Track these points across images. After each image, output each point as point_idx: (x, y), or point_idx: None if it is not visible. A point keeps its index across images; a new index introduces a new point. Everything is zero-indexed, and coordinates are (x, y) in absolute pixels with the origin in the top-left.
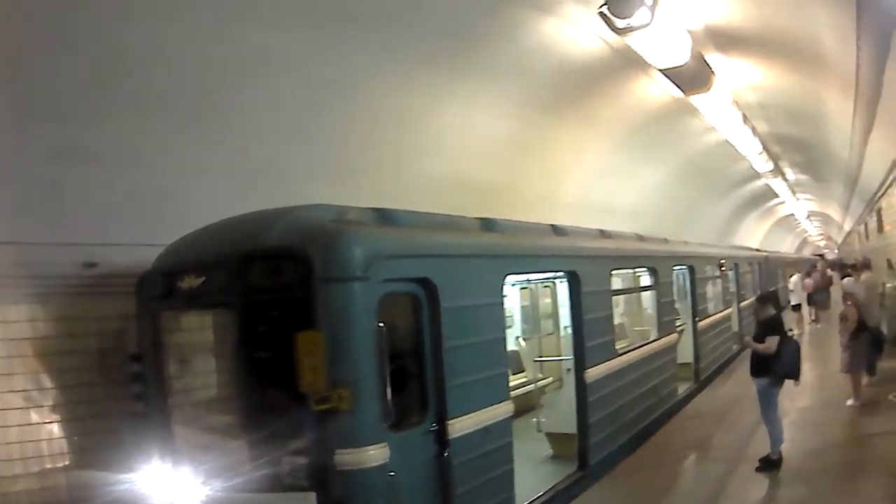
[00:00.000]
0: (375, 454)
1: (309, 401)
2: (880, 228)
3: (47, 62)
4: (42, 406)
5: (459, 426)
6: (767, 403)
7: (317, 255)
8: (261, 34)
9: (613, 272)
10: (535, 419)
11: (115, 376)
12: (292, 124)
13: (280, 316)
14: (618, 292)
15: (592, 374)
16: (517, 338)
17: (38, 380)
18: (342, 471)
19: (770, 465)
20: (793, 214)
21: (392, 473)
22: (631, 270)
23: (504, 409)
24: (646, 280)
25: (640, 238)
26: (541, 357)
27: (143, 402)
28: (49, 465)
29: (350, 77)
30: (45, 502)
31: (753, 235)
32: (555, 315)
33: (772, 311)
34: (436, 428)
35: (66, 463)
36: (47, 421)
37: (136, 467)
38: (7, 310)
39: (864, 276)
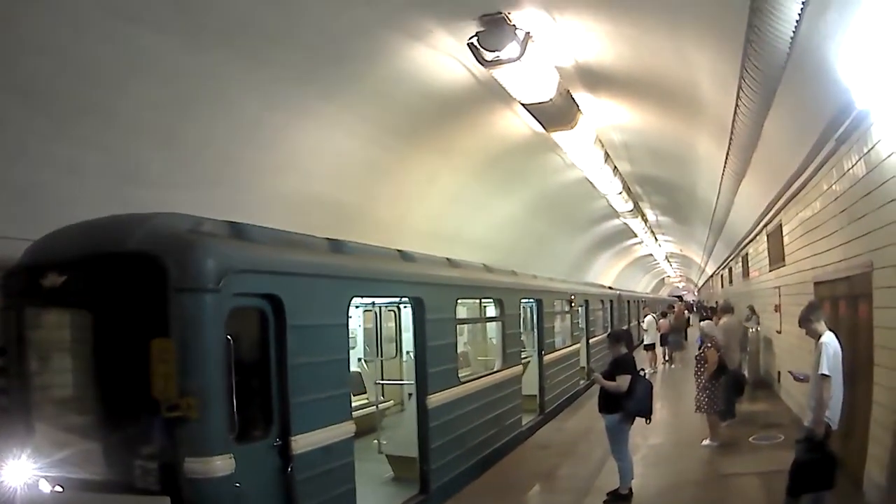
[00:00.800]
0: (222, 464)
1: (160, 407)
2: (746, 274)
3: None
4: None
5: (303, 442)
6: (617, 440)
7: (172, 264)
8: (145, 36)
9: (459, 301)
10: (375, 440)
11: None
12: (162, 130)
13: (134, 321)
14: (463, 321)
15: (434, 399)
16: (360, 359)
17: None
18: (191, 478)
19: (619, 499)
20: (651, 255)
21: (238, 485)
22: (477, 300)
23: (346, 429)
24: (492, 311)
25: (488, 269)
26: (383, 380)
27: (5, 395)
28: None
29: (221, 89)
30: None
31: (608, 273)
32: (398, 339)
33: (624, 349)
34: (280, 443)
35: None
36: None
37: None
38: None
39: (725, 319)
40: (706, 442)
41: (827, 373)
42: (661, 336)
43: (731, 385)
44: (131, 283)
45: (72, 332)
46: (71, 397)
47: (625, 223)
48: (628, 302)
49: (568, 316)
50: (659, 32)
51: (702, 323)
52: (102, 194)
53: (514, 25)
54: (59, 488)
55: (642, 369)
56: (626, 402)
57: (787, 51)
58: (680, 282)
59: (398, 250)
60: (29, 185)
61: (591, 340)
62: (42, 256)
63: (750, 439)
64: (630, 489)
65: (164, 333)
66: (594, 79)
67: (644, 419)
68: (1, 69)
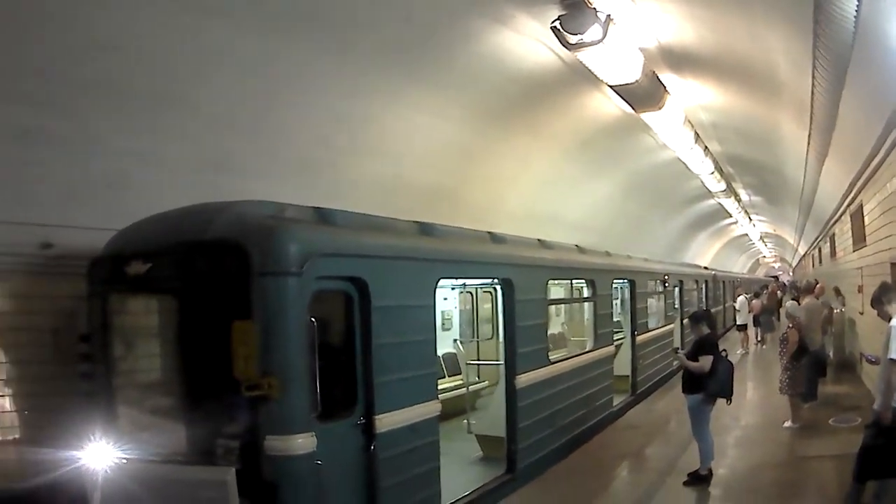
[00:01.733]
0: (303, 442)
1: (241, 387)
2: (833, 254)
3: (10, 43)
4: None
5: (387, 421)
6: (699, 420)
7: (254, 250)
8: (221, 30)
9: (550, 282)
10: (465, 421)
11: (66, 355)
12: (247, 119)
13: (217, 305)
14: (553, 302)
15: (523, 380)
16: (455, 340)
17: None
18: (271, 455)
19: (699, 479)
20: (747, 235)
21: (319, 462)
22: (569, 281)
23: (431, 408)
24: (584, 292)
25: (581, 250)
26: (478, 361)
27: (90, 381)
28: None
29: (306, 77)
30: None
31: (705, 254)
32: (494, 320)
33: (705, 329)
34: (363, 422)
35: (15, 437)
36: None
37: (81, 444)
38: None
39: (807, 300)
40: (787, 424)
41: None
42: (754, 317)
43: (812, 366)
44: (215, 269)
45: (156, 318)
46: (154, 380)
47: (719, 203)
48: (723, 282)
49: (662, 296)
50: (732, 13)
51: (788, 303)
52: (187, 184)
53: (594, 8)
54: (124, 460)
55: (724, 350)
56: (708, 383)
57: (853, 30)
58: (775, 262)
59: (488, 232)
60: (111, 177)
61: (684, 321)
62: (127, 245)
63: (829, 421)
64: (710, 470)
65: (246, 316)
66: (677, 59)
67: (725, 400)
68: (78, 65)
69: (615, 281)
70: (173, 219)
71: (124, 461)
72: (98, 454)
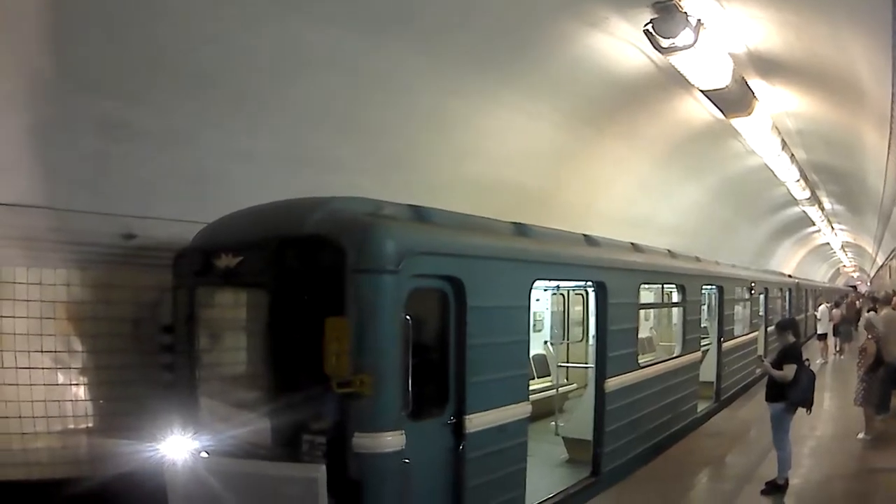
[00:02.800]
0: (392, 440)
1: (332, 384)
2: None
3: (99, 37)
4: (70, 368)
5: (477, 421)
6: (779, 429)
7: (350, 246)
8: (313, 27)
9: (642, 286)
10: (553, 422)
11: (146, 345)
12: (339, 118)
13: (311, 301)
14: (645, 306)
15: (612, 383)
16: (546, 342)
17: (68, 342)
18: (359, 453)
19: (775, 489)
20: (828, 244)
21: (407, 461)
22: (660, 286)
23: (522, 410)
24: (674, 297)
25: (672, 254)
26: (568, 363)
27: (172, 372)
28: (72, 426)
29: (399, 76)
30: (65, 461)
31: (789, 262)
32: (585, 323)
33: (791, 338)
34: (453, 421)
35: (89, 426)
36: (74, 383)
37: (159, 435)
38: (44, 273)
39: (884, 311)
40: (861, 435)
41: None
42: (833, 326)
43: (887, 379)
44: (309, 264)
45: (244, 311)
46: (239, 373)
47: (803, 211)
48: (805, 291)
49: (748, 303)
50: (818, 21)
51: (868, 313)
52: (278, 179)
53: (685, 13)
54: (204, 454)
55: (807, 359)
56: (791, 392)
57: None
58: (854, 271)
59: (583, 234)
60: (202, 171)
61: (769, 329)
62: (217, 238)
63: None
64: (786, 479)
65: (339, 313)
66: (765, 65)
67: (805, 409)
68: (166, 60)
69: (704, 287)
70: (266, 213)
71: (207, 456)
72: (178, 446)
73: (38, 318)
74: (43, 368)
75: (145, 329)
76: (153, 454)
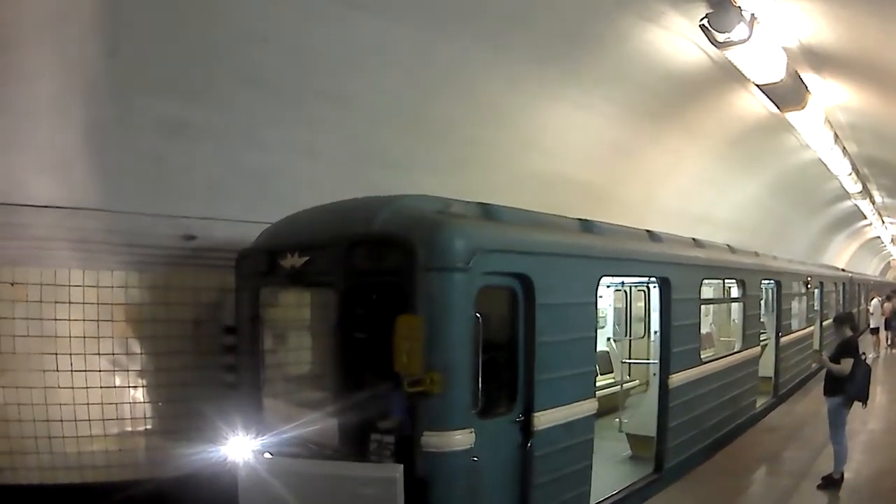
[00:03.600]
0: (462, 438)
1: (402, 382)
2: None
3: (156, 37)
4: (127, 370)
5: (545, 419)
6: (836, 423)
7: (421, 244)
8: (375, 23)
9: (704, 281)
10: (617, 419)
11: (206, 347)
12: (403, 114)
13: (380, 299)
14: (706, 301)
15: (676, 379)
16: (608, 339)
17: (126, 344)
18: (428, 452)
19: (832, 483)
20: (879, 237)
21: (475, 459)
22: (720, 281)
23: (588, 406)
24: (734, 292)
25: (732, 250)
26: (630, 359)
27: (235, 373)
28: (129, 429)
29: (462, 72)
30: (122, 464)
31: (841, 255)
32: (646, 319)
33: (848, 332)
34: (522, 419)
35: (148, 428)
36: (131, 385)
37: (220, 437)
38: (101, 275)
39: None
40: None
41: None
42: (885, 320)
43: None
44: (379, 263)
45: (311, 311)
46: (305, 373)
47: (855, 205)
48: (858, 285)
49: (804, 298)
50: (868, 14)
51: None
52: (343, 177)
53: (739, 7)
54: (268, 455)
55: (864, 353)
56: (847, 386)
57: None
58: None
59: (646, 230)
60: (262, 170)
61: (824, 323)
62: (282, 238)
63: None
64: (842, 474)
65: (409, 311)
66: (817, 59)
67: (861, 403)
68: (228, 58)
69: (763, 281)
70: (333, 212)
71: (279, 457)
72: (241, 447)
73: (95, 320)
74: (100, 371)
75: (206, 330)
76: (214, 456)
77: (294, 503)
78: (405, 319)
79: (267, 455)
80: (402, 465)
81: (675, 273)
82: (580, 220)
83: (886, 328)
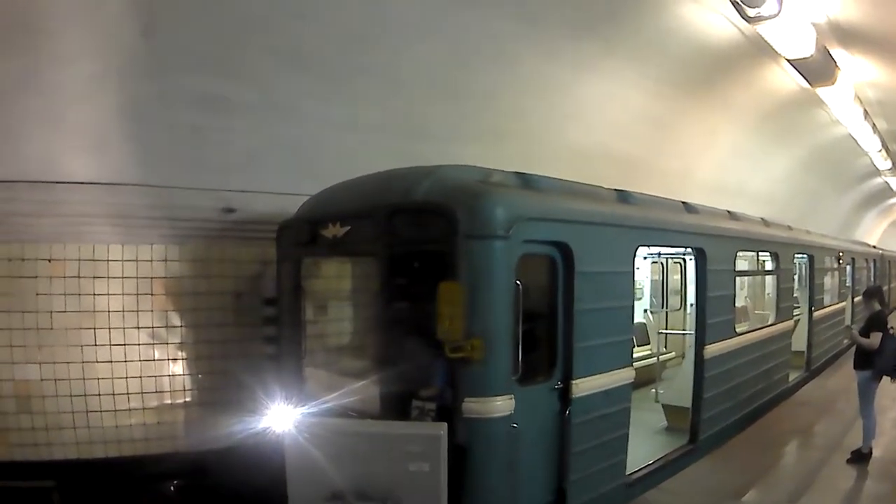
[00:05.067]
0: (502, 405)
1: (444, 348)
2: None
3: (194, 14)
4: (167, 343)
5: (583, 386)
6: (865, 397)
7: (462, 213)
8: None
9: (738, 253)
10: (653, 390)
11: (246, 318)
12: (441, 85)
13: (423, 268)
14: (741, 273)
15: (711, 350)
16: (645, 311)
17: (165, 318)
18: (468, 418)
19: (860, 458)
20: None
21: (515, 425)
22: (754, 253)
23: (626, 375)
24: (768, 265)
25: (766, 223)
26: (666, 331)
27: (276, 344)
28: (168, 402)
29: (500, 44)
30: (160, 437)
31: (873, 232)
32: (683, 292)
33: (877, 306)
34: (560, 386)
35: (187, 400)
36: (170, 358)
37: (261, 408)
38: (140, 249)
39: None
40: None
41: None
42: None
43: None
44: (421, 231)
45: (353, 280)
46: (348, 342)
47: (885, 182)
48: (889, 262)
49: (836, 273)
50: None
51: None
52: (383, 149)
53: None
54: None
55: (892, 327)
56: (877, 360)
57: None
58: None
59: (682, 202)
60: (301, 143)
61: (855, 299)
62: (323, 209)
63: None
64: (871, 449)
65: (451, 279)
66: (846, 35)
67: (890, 378)
68: (263, 33)
69: (796, 255)
70: (374, 182)
71: (326, 418)
72: (283, 417)
73: (135, 294)
74: (139, 344)
75: (246, 302)
76: (255, 427)
77: (340, 461)
78: (447, 286)
79: (323, 417)
80: (445, 424)
81: (711, 244)
82: (617, 190)
83: None
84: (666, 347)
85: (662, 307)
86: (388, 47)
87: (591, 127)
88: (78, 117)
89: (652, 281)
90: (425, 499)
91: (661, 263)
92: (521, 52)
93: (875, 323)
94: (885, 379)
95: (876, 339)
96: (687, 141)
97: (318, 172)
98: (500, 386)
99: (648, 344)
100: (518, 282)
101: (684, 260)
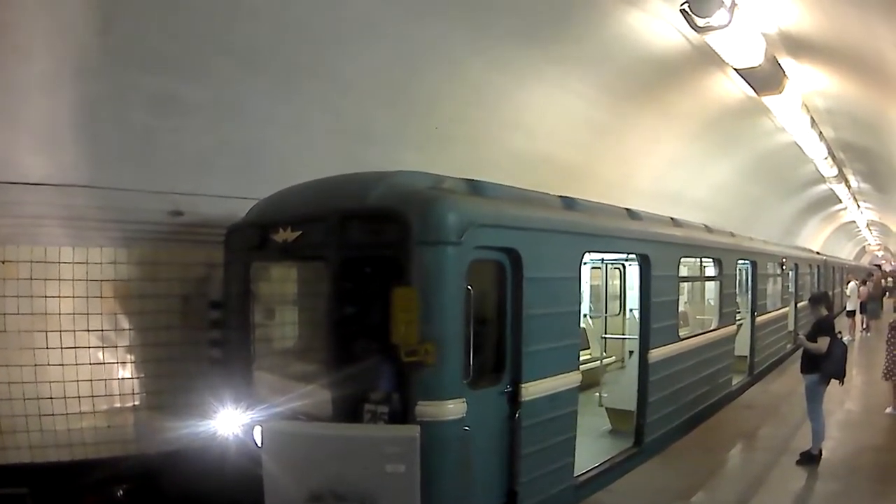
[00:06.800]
0: (454, 408)
1: (399, 352)
2: None
3: (148, 13)
4: (116, 346)
5: (532, 390)
6: (813, 400)
7: (415, 219)
8: (360, 3)
9: (682, 259)
10: (597, 394)
11: (194, 322)
12: (388, 91)
13: (375, 273)
14: (684, 279)
15: (655, 354)
16: (585, 315)
17: (115, 321)
18: (422, 421)
19: (810, 459)
20: (854, 222)
21: (467, 428)
22: (697, 260)
23: (573, 379)
24: (710, 271)
25: (709, 229)
26: (608, 335)
27: (222, 348)
28: (118, 405)
29: (446, 51)
30: (111, 440)
31: (816, 238)
32: (622, 297)
33: (824, 311)
34: (510, 390)
35: (136, 404)
36: (120, 361)
37: (209, 412)
38: (90, 251)
39: None
40: (889, 410)
41: None
42: (861, 304)
43: None
44: (373, 237)
45: (303, 285)
46: (297, 347)
47: (830, 189)
48: (833, 268)
49: (779, 279)
50: (847, 2)
51: None
52: (328, 152)
53: None
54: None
55: (839, 332)
56: (824, 363)
57: None
58: (879, 250)
59: (625, 208)
60: (250, 146)
61: (798, 304)
62: (274, 213)
63: None
64: (820, 450)
65: (403, 284)
66: (796, 45)
67: (838, 381)
68: (218, 32)
69: (739, 261)
70: (325, 187)
71: (293, 422)
72: (231, 421)
73: (85, 297)
74: (89, 347)
75: (194, 305)
76: (203, 431)
77: (316, 464)
78: (402, 292)
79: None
80: (418, 426)
81: (655, 250)
82: (561, 197)
83: (862, 311)
84: (605, 352)
85: (603, 312)
86: (337, 49)
87: (534, 134)
88: (32, 116)
89: (591, 286)
90: (401, 499)
91: (601, 269)
92: (468, 60)
93: (822, 328)
94: (833, 382)
95: (824, 343)
96: (627, 148)
97: (264, 175)
98: (452, 389)
99: (589, 348)
100: (469, 287)
101: (623, 266)
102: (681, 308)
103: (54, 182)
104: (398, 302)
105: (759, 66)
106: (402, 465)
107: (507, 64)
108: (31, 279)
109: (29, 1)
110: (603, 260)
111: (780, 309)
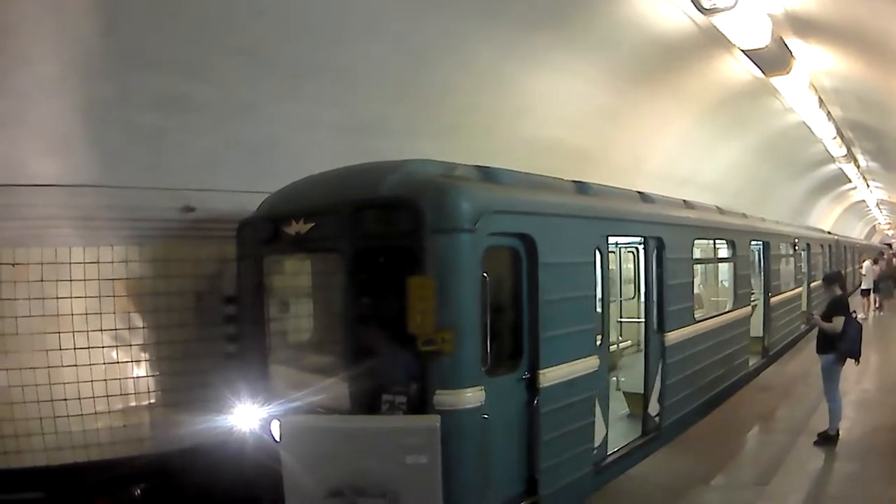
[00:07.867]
0: (472, 396)
1: (416, 342)
2: None
3: (152, 13)
4: (130, 345)
5: (550, 376)
6: (830, 380)
7: (428, 207)
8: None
9: (695, 241)
10: (614, 378)
11: (208, 318)
12: (397, 83)
13: (389, 263)
14: (698, 261)
15: (671, 337)
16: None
17: (128, 319)
18: (440, 410)
19: (827, 440)
20: (864, 201)
21: (486, 416)
22: (711, 241)
23: (590, 364)
24: (724, 252)
25: (721, 211)
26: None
27: (237, 342)
28: (133, 404)
29: (453, 41)
30: (127, 440)
31: (826, 218)
32: (636, 280)
33: (838, 291)
34: (528, 377)
35: (152, 402)
36: (134, 360)
37: (225, 407)
38: (101, 251)
39: None
40: None
41: None
42: (874, 282)
43: None
44: (387, 226)
45: (317, 277)
46: (313, 338)
47: (840, 168)
48: (844, 248)
49: (792, 259)
50: None
51: None
52: (340, 147)
53: None
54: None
55: (854, 311)
56: (840, 343)
57: None
58: (889, 229)
59: (637, 192)
60: (261, 142)
61: (811, 284)
62: (285, 206)
63: None
64: (837, 430)
65: (418, 273)
66: (802, 25)
67: (854, 360)
68: (225, 32)
69: (752, 242)
70: (337, 178)
71: (311, 415)
72: (248, 416)
73: (97, 296)
74: (102, 347)
75: (207, 301)
76: (219, 426)
77: (336, 458)
78: (418, 281)
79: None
80: (439, 416)
81: (669, 233)
82: (575, 182)
83: (875, 290)
84: (621, 336)
85: (618, 296)
86: (346, 44)
87: (542, 120)
88: (41, 119)
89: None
90: (422, 490)
91: (615, 253)
92: (476, 48)
93: (837, 307)
94: (849, 362)
95: (839, 322)
96: (637, 132)
97: (276, 171)
98: (470, 378)
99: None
100: (485, 274)
101: (637, 250)
102: (696, 291)
103: (63, 183)
104: (414, 291)
105: (766, 46)
106: (423, 457)
107: (516, 52)
108: (43, 281)
109: (32, 4)
110: (617, 244)
111: (793, 289)
